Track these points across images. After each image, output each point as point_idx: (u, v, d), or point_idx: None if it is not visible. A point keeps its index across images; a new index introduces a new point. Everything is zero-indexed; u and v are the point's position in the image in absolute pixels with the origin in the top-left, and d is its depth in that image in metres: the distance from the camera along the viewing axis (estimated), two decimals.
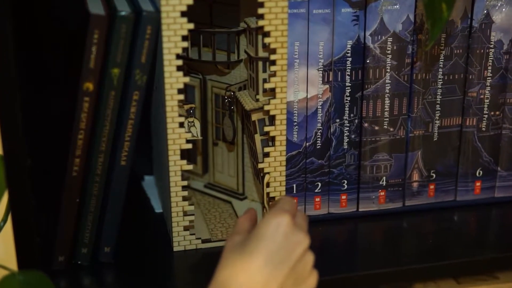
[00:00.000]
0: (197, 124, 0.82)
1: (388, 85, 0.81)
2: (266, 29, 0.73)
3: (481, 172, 0.87)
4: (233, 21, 0.82)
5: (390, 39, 0.79)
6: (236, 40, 0.82)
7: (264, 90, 0.77)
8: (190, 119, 0.81)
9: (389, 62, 0.80)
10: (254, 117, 0.78)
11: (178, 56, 0.71)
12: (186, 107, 0.82)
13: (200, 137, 0.83)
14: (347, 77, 0.80)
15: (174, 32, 0.71)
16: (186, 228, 0.78)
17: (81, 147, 0.71)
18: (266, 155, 0.77)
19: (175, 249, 0.79)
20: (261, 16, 0.72)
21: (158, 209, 0.87)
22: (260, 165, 0.78)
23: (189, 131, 0.81)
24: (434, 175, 0.86)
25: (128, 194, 0.76)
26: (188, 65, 0.86)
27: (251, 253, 0.60)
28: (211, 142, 0.89)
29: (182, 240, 0.78)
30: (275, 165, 0.78)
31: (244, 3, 0.79)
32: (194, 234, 0.79)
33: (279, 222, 0.61)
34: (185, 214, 0.77)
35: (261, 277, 0.59)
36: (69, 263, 0.75)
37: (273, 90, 0.75)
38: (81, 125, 0.71)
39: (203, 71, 0.86)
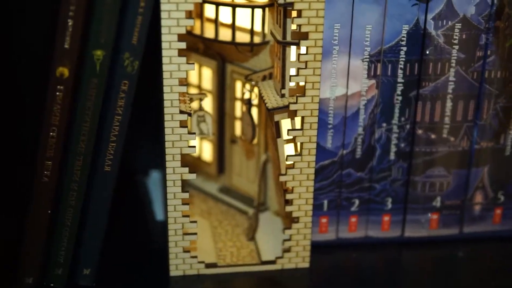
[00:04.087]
0: (209, 118, 0.66)
1: (452, 83, 0.64)
2: (297, 6, 0.56)
3: None
4: None
5: (458, 25, 0.62)
6: (263, 16, 0.65)
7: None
8: (200, 113, 0.66)
9: (455, 54, 0.63)
10: (278, 117, 0.62)
11: (181, 38, 0.56)
12: (195, 97, 0.66)
13: (211, 135, 0.67)
14: (400, 71, 0.63)
15: (177, 6, 0.55)
16: (186, 250, 0.63)
17: (53, 147, 0.56)
18: (291, 165, 0.61)
19: (172, 273, 0.64)
20: None
21: (160, 216, 0.72)
22: (282, 178, 0.62)
23: (199, 129, 0.66)
24: (503, 197, 0.69)
25: (123, 195, 0.62)
26: (205, 44, 0.70)
27: None
28: (228, 138, 0.73)
29: (180, 264, 0.63)
30: (300, 178, 0.62)
31: None
32: (196, 256, 0.64)
33: None
34: (186, 233, 0.62)
35: None
36: (39, 285, 0.61)
37: (302, 85, 0.59)
38: (53, 119, 0.56)
39: (223, 53, 0.70)
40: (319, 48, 0.57)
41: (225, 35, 0.66)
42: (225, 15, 0.66)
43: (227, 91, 0.72)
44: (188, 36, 0.67)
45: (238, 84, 0.71)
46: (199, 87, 0.73)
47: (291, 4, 0.56)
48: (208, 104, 0.72)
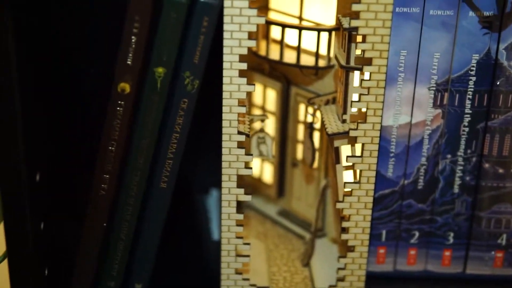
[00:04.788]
0: (269, 140, 0.66)
1: None
2: (361, 32, 0.55)
3: None
4: (329, 16, 0.64)
5: None
6: (329, 40, 0.64)
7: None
8: (261, 135, 0.65)
9: None
10: (338, 143, 0.61)
11: (242, 58, 0.55)
12: (257, 118, 0.66)
13: (271, 157, 0.67)
14: (468, 101, 0.61)
15: (239, 27, 0.54)
16: (238, 272, 0.62)
17: (111, 161, 0.57)
18: (348, 193, 0.60)
19: None
20: (355, 15, 0.55)
21: (216, 235, 0.72)
22: (339, 205, 0.60)
23: (259, 150, 0.65)
24: None
25: (180, 212, 0.62)
26: (270, 66, 0.70)
27: None
28: (289, 161, 0.73)
29: (232, 285, 0.63)
30: (358, 207, 0.60)
31: None
32: (248, 279, 0.63)
33: None
34: (238, 254, 0.62)
35: None
36: None
37: (364, 111, 0.57)
38: (113, 134, 0.56)
39: (288, 75, 0.70)
40: (383, 75, 0.56)
41: (290, 57, 0.66)
42: (291, 36, 0.65)
43: (290, 114, 0.71)
44: (253, 57, 0.67)
45: (302, 107, 0.70)
46: (263, 108, 0.73)
47: (356, 28, 0.55)
48: (271, 126, 0.72)
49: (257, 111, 0.73)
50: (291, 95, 0.70)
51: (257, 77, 0.71)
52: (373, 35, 0.55)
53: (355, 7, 0.54)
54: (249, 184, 0.75)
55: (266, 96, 0.72)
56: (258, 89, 0.72)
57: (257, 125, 0.67)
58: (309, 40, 0.65)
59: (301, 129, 0.71)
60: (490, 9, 0.57)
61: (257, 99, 0.73)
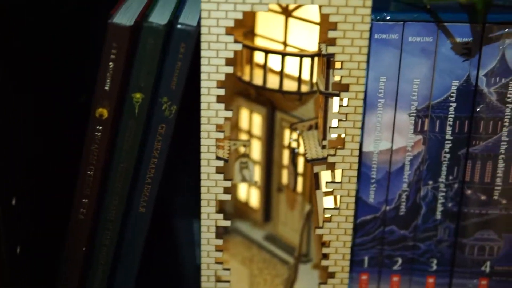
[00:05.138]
0: (252, 165, 0.66)
1: (505, 143, 0.61)
2: (338, 58, 0.55)
3: None
4: (312, 42, 0.65)
5: None
6: (311, 65, 0.64)
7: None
8: (244, 159, 0.66)
9: (509, 113, 0.60)
10: (317, 168, 0.60)
11: (220, 84, 0.56)
12: (239, 143, 0.66)
13: (254, 182, 0.67)
14: (449, 127, 0.61)
15: (216, 53, 0.55)
16: None
17: (90, 186, 0.57)
18: (328, 219, 0.60)
19: None
20: (332, 41, 0.55)
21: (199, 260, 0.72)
22: (318, 231, 0.60)
23: (241, 175, 0.66)
24: None
25: (166, 239, 0.62)
26: (256, 91, 0.70)
27: None
28: (275, 186, 0.73)
29: None
30: (337, 233, 0.60)
31: (324, 20, 0.62)
32: None
33: None
34: (218, 280, 0.61)
35: None
36: None
37: (343, 137, 0.57)
38: (91, 158, 0.57)
39: (274, 100, 0.70)
40: (360, 101, 0.56)
41: (274, 82, 0.66)
42: (274, 61, 0.66)
43: (275, 139, 0.71)
44: (238, 82, 0.68)
45: (287, 132, 0.70)
46: (249, 133, 0.73)
47: (333, 55, 0.55)
48: (256, 150, 0.72)
49: (243, 136, 0.73)
50: (276, 120, 0.70)
51: (243, 102, 0.72)
52: (349, 61, 0.55)
53: (331, 34, 0.54)
54: (235, 208, 0.75)
55: (252, 121, 0.72)
56: (244, 114, 0.73)
57: (240, 150, 0.67)
58: (292, 66, 0.65)
59: (286, 154, 0.71)
60: (466, 36, 0.57)
61: (244, 124, 0.73)
